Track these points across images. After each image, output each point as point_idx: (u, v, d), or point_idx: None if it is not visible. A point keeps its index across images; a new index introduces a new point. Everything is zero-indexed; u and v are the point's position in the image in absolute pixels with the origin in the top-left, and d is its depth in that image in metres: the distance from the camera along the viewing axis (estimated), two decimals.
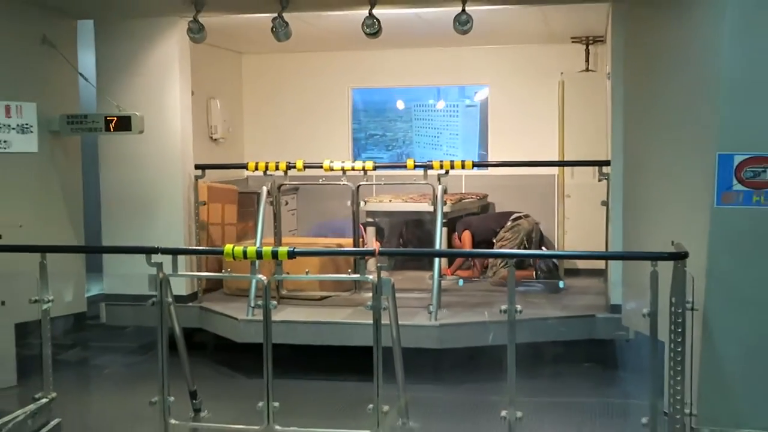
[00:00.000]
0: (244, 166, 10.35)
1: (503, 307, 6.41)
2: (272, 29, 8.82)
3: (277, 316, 8.60)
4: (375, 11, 8.61)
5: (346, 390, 8.46)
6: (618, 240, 8.74)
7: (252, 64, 13.59)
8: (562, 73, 12.10)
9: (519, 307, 6.40)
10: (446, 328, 8.81)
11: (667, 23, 7.48)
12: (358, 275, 6.94)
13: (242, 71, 13.65)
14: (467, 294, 10.40)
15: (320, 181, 10.76)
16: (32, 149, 8.94)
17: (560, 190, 12.13)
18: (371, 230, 11.72)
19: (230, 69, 13.34)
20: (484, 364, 8.80)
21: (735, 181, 6.40)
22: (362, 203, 10.84)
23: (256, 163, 9.93)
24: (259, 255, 6.97)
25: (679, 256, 6.07)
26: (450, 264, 11.41)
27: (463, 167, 9.90)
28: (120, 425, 7.90)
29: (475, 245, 11.24)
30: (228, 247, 7.07)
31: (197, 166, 10.25)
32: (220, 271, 9.21)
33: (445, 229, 10.23)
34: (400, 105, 13.92)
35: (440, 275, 9.25)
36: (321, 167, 9.91)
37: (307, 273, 8.40)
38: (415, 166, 9.98)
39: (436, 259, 9.37)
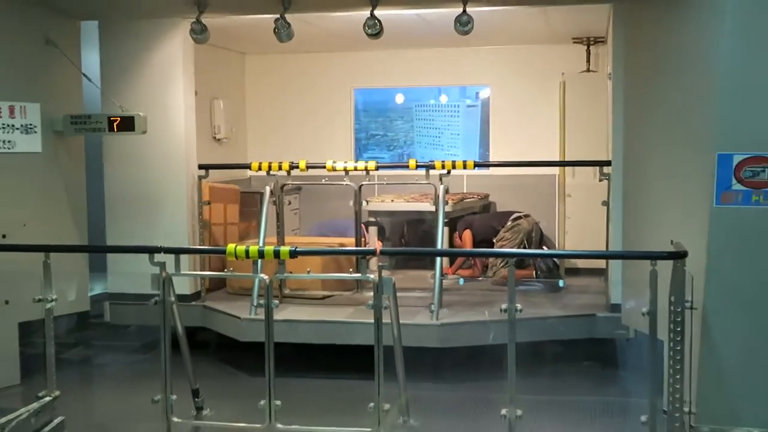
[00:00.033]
0: (248, 166, 10.35)
1: (503, 306, 6.40)
2: (274, 30, 8.80)
3: (279, 315, 8.58)
4: (376, 12, 8.59)
5: (347, 388, 8.45)
6: (618, 239, 8.72)
7: (255, 65, 13.59)
8: (563, 73, 12.10)
9: (519, 306, 6.39)
10: (447, 327, 8.79)
11: (668, 24, 7.47)
12: (360, 274, 6.93)
13: (245, 72, 13.64)
14: (468, 293, 10.39)
15: (323, 181, 10.76)
16: (36, 149, 8.93)
17: (561, 189, 12.13)
18: (373, 230, 11.72)
19: (234, 69, 13.34)
20: (485, 362, 8.81)
21: (734, 181, 6.40)
22: (364, 203, 10.84)
23: (260, 163, 9.92)
24: (261, 254, 6.97)
25: (678, 256, 6.06)
26: (451, 263, 11.42)
27: (464, 167, 9.89)
28: (123, 423, 7.91)
29: (475, 244, 11.24)
30: (230, 247, 7.07)
31: (201, 166, 10.25)
32: (223, 271, 9.25)
33: (446, 229, 10.23)
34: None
35: (442, 274, 9.24)
36: (324, 167, 9.90)
37: (308, 272, 8.43)
38: (417, 166, 9.97)
39: (438, 259, 9.36)
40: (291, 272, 8.58)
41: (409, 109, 13.94)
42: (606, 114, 9.90)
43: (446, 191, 9.74)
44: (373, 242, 11.40)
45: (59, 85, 9.31)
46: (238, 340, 9.22)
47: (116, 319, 10.12)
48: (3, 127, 8.59)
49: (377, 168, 9.98)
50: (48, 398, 6.98)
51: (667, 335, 6.15)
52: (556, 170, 12.17)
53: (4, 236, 8.48)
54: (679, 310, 6.05)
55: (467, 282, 11.02)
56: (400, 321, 7.12)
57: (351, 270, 9.62)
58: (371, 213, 11.75)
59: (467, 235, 11.27)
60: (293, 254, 6.82)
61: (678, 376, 6.14)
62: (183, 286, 9.45)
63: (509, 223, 11.14)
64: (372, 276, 6.65)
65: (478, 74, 13.07)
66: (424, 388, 8.33)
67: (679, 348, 6.10)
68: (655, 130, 7.69)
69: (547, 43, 12.28)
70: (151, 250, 6.89)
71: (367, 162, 9.95)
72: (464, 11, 8.47)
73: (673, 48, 7.33)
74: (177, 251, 7.12)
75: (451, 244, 11.34)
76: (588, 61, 12.18)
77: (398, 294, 6.99)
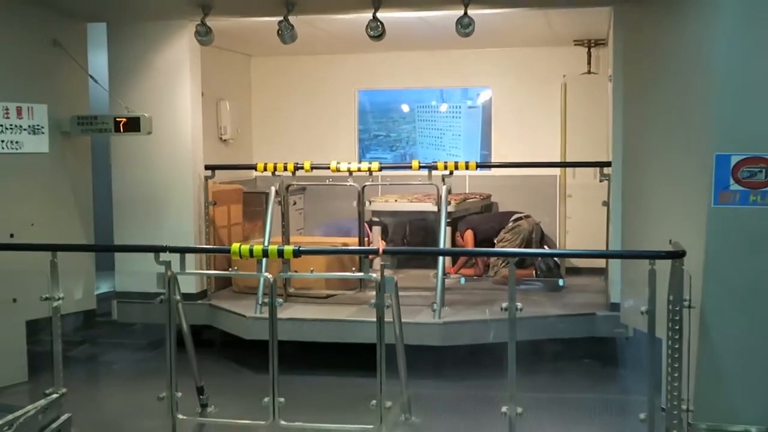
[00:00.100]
0: (253, 167, 10.33)
1: (504, 305, 6.39)
2: (278, 32, 8.81)
3: (283, 313, 8.61)
4: (378, 14, 8.59)
5: (350, 386, 8.43)
6: (618, 239, 8.73)
7: (261, 67, 13.59)
8: (564, 75, 12.10)
9: (520, 305, 6.38)
10: (449, 325, 8.80)
11: (667, 26, 7.47)
12: (363, 274, 6.93)
13: (251, 74, 13.64)
14: (469, 292, 10.38)
15: (327, 182, 10.77)
16: (43, 150, 8.93)
17: (562, 190, 12.12)
18: (377, 229, 11.71)
19: (239, 71, 13.34)
20: (486, 361, 8.79)
21: (732, 181, 6.39)
22: (368, 203, 10.83)
23: (265, 164, 9.91)
24: (265, 254, 6.98)
25: (676, 255, 6.06)
26: (454, 263, 11.41)
27: (467, 168, 9.88)
28: (129, 420, 7.91)
29: (477, 244, 11.23)
30: (235, 246, 7.09)
31: (207, 167, 10.25)
32: (229, 270, 9.25)
33: (449, 229, 10.23)
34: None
35: (444, 274, 9.23)
36: (328, 168, 9.89)
37: (312, 271, 8.42)
38: (420, 167, 9.96)
39: (440, 258, 9.36)
40: (295, 271, 8.58)
41: (411, 110, 13.92)
42: (606, 115, 9.89)
43: (449, 192, 9.73)
44: (377, 242, 11.39)
45: (66, 86, 9.32)
46: (243, 338, 9.22)
47: (123, 317, 10.14)
48: (10, 128, 8.59)
49: (380, 169, 9.99)
50: (55, 395, 6.98)
51: (665, 334, 6.14)
52: (557, 171, 12.16)
53: (12, 235, 8.48)
54: (677, 308, 6.05)
55: (469, 281, 11.01)
56: (402, 319, 7.13)
57: (354, 269, 9.63)
58: (375, 213, 11.74)
59: (469, 235, 11.26)
60: (297, 254, 6.81)
61: (676, 374, 6.14)
62: (189, 284, 9.46)
63: (510, 223, 11.14)
64: (375, 275, 6.64)
65: (480, 76, 13.04)
66: (426, 386, 8.32)
67: (677, 346, 6.10)
68: (655, 131, 7.69)
69: (548, 45, 12.26)
70: (157, 250, 6.88)
71: (370, 163, 9.95)
72: (465, 13, 8.47)
73: (673, 50, 7.32)
74: (182, 250, 7.10)
75: (454, 243, 11.34)
76: (589, 63, 12.16)
77: (400, 293, 7.00)
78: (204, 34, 9.09)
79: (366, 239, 10.78)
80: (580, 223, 11.68)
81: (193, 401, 7.59)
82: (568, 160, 11.87)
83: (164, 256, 6.86)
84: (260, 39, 11.49)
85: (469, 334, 8.85)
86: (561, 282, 10.58)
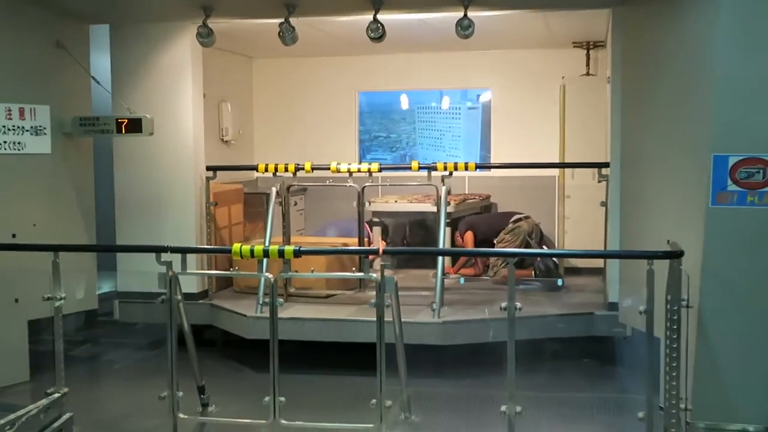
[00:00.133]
0: (254, 168, 10.31)
1: (503, 304, 6.38)
2: (279, 33, 8.80)
3: (284, 313, 8.61)
4: (379, 16, 8.59)
5: (350, 385, 8.43)
6: (616, 239, 8.74)
7: (262, 69, 13.58)
8: (563, 77, 12.08)
9: (519, 304, 6.37)
10: (448, 325, 8.79)
11: (665, 28, 7.46)
12: (363, 273, 6.91)
13: (253, 75, 13.64)
14: (468, 292, 10.37)
15: (327, 183, 10.76)
16: (45, 151, 8.92)
17: (561, 190, 12.09)
18: (377, 230, 11.70)
19: (241, 73, 13.33)
20: (485, 360, 8.78)
21: (730, 182, 6.37)
22: (367, 204, 10.81)
23: (266, 165, 9.89)
24: (266, 254, 6.97)
25: (674, 255, 6.04)
26: (453, 263, 11.40)
27: (466, 169, 9.86)
28: (130, 419, 7.88)
29: (477, 245, 11.21)
30: (236, 246, 7.07)
31: (209, 168, 10.25)
32: (230, 270, 9.24)
33: (448, 229, 10.21)
34: (404, 101, 13.87)
35: (443, 273, 9.22)
36: (328, 169, 9.88)
37: (312, 271, 8.41)
38: (420, 168, 9.94)
39: (440, 258, 9.35)
40: (296, 271, 8.57)
41: (411, 111, 13.92)
42: (605, 117, 9.88)
43: (448, 192, 9.72)
44: (377, 242, 11.38)
45: (69, 87, 9.31)
46: (244, 338, 9.21)
47: (124, 316, 10.14)
48: (13, 129, 8.59)
49: (380, 170, 9.98)
50: (57, 395, 6.96)
51: (663, 333, 6.14)
52: (555, 172, 12.14)
53: (14, 236, 8.46)
54: (675, 308, 6.03)
55: (468, 281, 10.99)
56: (402, 319, 7.13)
57: (354, 269, 9.62)
58: (375, 213, 11.73)
59: (469, 236, 11.24)
60: (297, 254, 6.80)
61: (674, 373, 6.12)
62: (190, 284, 9.45)
63: (510, 224, 11.12)
64: (375, 275, 6.63)
65: (480, 78, 13.05)
66: (426, 385, 8.31)
67: (675, 346, 6.09)
68: (653, 132, 7.68)
69: (547, 47, 12.25)
70: (158, 250, 6.88)
71: (370, 164, 9.93)
72: (465, 15, 8.47)
73: (671, 52, 7.32)
74: (183, 251, 7.09)
75: (453, 244, 11.33)
76: (587, 65, 12.15)
77: (400, 293, 7.00)
78: (205, 36, 9.08)
79: (366, 240, 10.76)
80: (579, 223, 11.66)
81: (194, 400, 7.59)
82: (566, 161, 11.85)
83: (166, 257, 6.86)
84: (261, 41, 11.49)
85: (468, 334, 8.84)
86: (560, 282, 10.57)
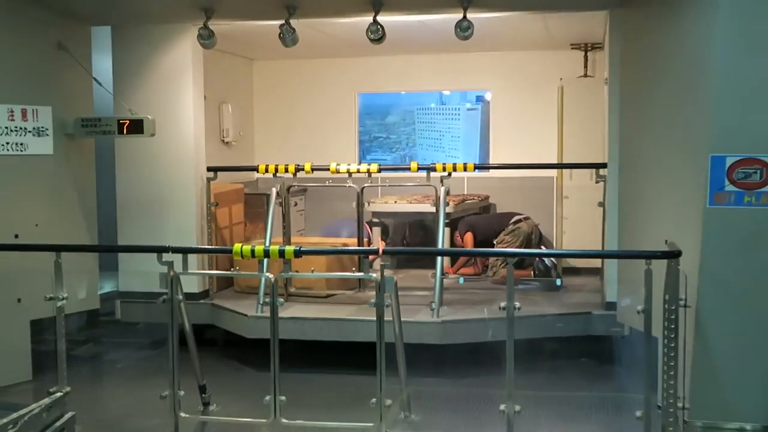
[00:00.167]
0: (255, 169, 10.31)
1: (502, 304, 6.37)
2: (279, 35, 8.80)
3: (284, 312, 8.61)
4: (379, 18, 8.59)
5: (350, 384, 8.42)
6: (613, 239, 8.73)
7: (263, 70, 13.57)
8: (561, 78, 12.08)
9: (518, 304, 6.36)
10: (448, 324, 8.78)
11: (662, 30, 7.45)
12: (363, 273, 6.90)
13: (253, 77, 13.63)
14: (468, 292, 10.37)
15: (327, 183, 10.76)
16: (48, 151, 8.91)
17: (559, 191, 12.09)
18: (377, 230, 11.69)
19: (242, 75, 13.33)
20: (484, 359, 8.77)
21: (727, 182, 6.36)
22: (367, 204, 10.81)
23: (266, 166, 9.88)
24: (267, 254, 6.96)
25: (672, 255, 6.03)
26: (452, 263, 11.39)
27: (465, 169, 9.84)
28: (132, 418, 7.88)
29: (476, 245, 11.20)
30: (237, 246, 7.06)
31: (209, 168, 10.24)
32: (230, 270, 9.23)
33: (447, 229, 10.21)
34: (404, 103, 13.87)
35: (442, 273, 9.22)
36: (328, 169, 9.87)
37: (312, 271, 8.40)
38: (419, 169, 9.93)
39: (438, 258, 9.34)
40: (296, 271, 8.56)
41: (411, 112, 13.91)
42: (602, 118, 9.88)
43: (447, 193, 9.71)
44: (377, 242, 11.37)
45: (70, 88, 9.31)
46: (244, 337, 9.20)
47: (126, 316, 10.14)
48: (15, 130, 8.58)
49: (379, 170, 9.97)
50: (59, 394, 6.95)
51: (661, 332, 6.12)
52: (554, 172, 12.14)
53: (16, 236, 8.45)
54: (673, 308, 6.02)
55: (468, 281, 10.99)
56: (402, 319, 7.12)
57: (354, 269, 9.61)
58: (375, 214, 11.72)
59: (468, 237, 11.23)
60: (297, 254, 6.79)
61: (672, 373, 6.11)
62: (191, 284, 9.44)
63: (510, 226, 11.11)
64: (375, 275, 6.62)
65: (479, 79, 13.05)
66: (425, 384, 8.31)
67: (673, 345, 6.08)
68: (651, 133, 7.67)
69: (545, 49, 12.25)
70: (159, 250, 6.87)
71: (369, 164, 9.93)
72: (464, 17, 8.47)
73: (668, 53, 7.31)
74: (184, 251, 7.08)
75: (452, 244, 11.31)
76: (585, 66, 12.14)
77: (400, 293, 6.99)
78: (207, 38, 9.08)
79: (365, 240, 10.76)
80: (577, 223, 11.66)
81: (196, 400, 7.59)
82: (564, 161, 11.86)
83: (167, 257, 6.85)
84: (262, 42, 11.48)
85: (467, 333, 8.84)
86: (558, 282, 10.57)
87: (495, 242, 11.02)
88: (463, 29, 8.52)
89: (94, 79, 9.53)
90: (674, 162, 7.13)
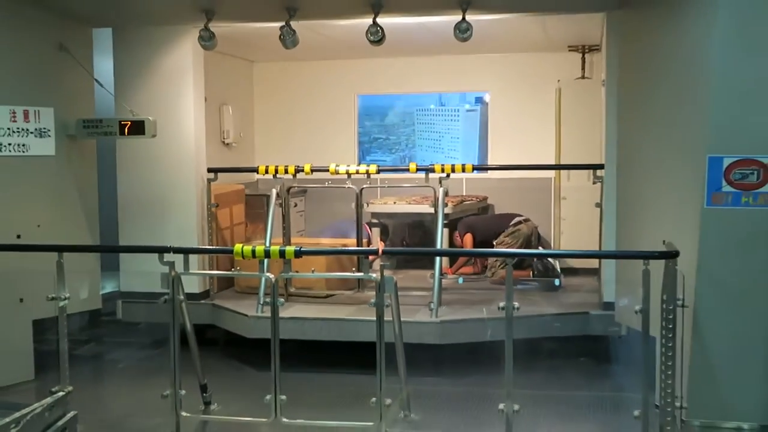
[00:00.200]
0: (255, 170, 10.29)
1: (501, 304, 6.36)
2: (280, 37, 8.80)
3: (285, 312, 8.59)
4: (378, 19, 8.59)
5: (350, 384, 8.40)
6: (611, 240, 8.72)
7: (263, 72, 13.57)
8: (558, 80, 12.11)
9: (516, 304, 6.35)
10: (446, 324, 8.77)
11: (659, 32, 7.46)
12: (363, 273, 6.90)
13: (253, 79, 13.62)
14: (467, 292, 10.36)
15: (326, 184, 10.75)
16: (50, 152, 8.91)
17: (556, 192, 12.11)
18: (376, 230, 11.69)
19: (242, 76, 13.32)
20: (483, 358, 8.76)
21: (724, 183, 6.37)
22: (366, 205, 10.80)
23: (266, 167, 9.87)
24: (268, 254, 6.95)
25: (670, 255, 6.03)
26: (451, 264, 11.38)
27: (463, 170, 9.83)
28: (133, 417, 7.86)
29: (476, 246, 11.19)
30: (238, 247, 7.06)
31: (210, 170, 10.23)
32: (231, 271, 9.22)
33: (446, 230, 10.20)
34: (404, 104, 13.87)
35: (441, 274, 9.21)
36: (327, 171, 9.86)
37: (313, 271, 8.38)
38: (417, 170, 9.92)
39: (437, 258, 9.33)
40: (297, 271, 8.55)
41: (411, 113, 13.91)
42: (600, 119, 9.87)
43: (446, 194, 9.71)
44: (376, 242, 11.37)
45: (72, 90, 9.30)
46: (245, 337, 9.18)
47: (127, 316, 10.12)
48: (18, 131, 8.57)
49: (378, 171, 9.95)
50: (61, 393, 6.93)
51: (659, 332, 6.12)
52: (551, 173, 12.15)
53: (18, 236, 8.45)
54: (670, 308, 6.02)
55: (467, 281, 10.98)
56: (402, 319, 7.10)
57: (354, 269, 9.60)
58: (374, 215, 11.72)
59: (468, 238, 11.21)
60: (298, 254, 6.78)
61: (670, 372, 6.11)
62: (192, 285, 9.41)
63: (510, 227, 11.09)
64: (374, 275, 6.62)
65: (478, 81, 13.03)
66: (425, 384, 8.30)
67: (670, 345, 6.07)
68: (649, 134, 7.67)
69: (543, 51, 12.25)
70: (161, 250, 6.86)
71: (368, 165, 9.92)
72: (463, 18, 8.47)
73: (665, 55, 7.31)
74: (185, 251, 7.07)
75: (451, 244, 11.30)
76: (583, 68, 12.15)
77: (399, 293, 6.97)
78: (207, 39, 9.07)
79: (365, 240, 10.75)
80: (574, 224, 11.68)
81: (197, 399, 7.57)
82: (562, 162, 11.88)
83: (168, 257, 6.84)
84: (262, 44, 11.47)
85: (466, 333, 8.83)
86: (557, 282, 10.56)
87: (495, 243, 11.00)
88: (462, 30, 8.52)
89: (96, 80, 9.53)
90: (672, 163, 7.13)
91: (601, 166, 9.25)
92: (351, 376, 8.63)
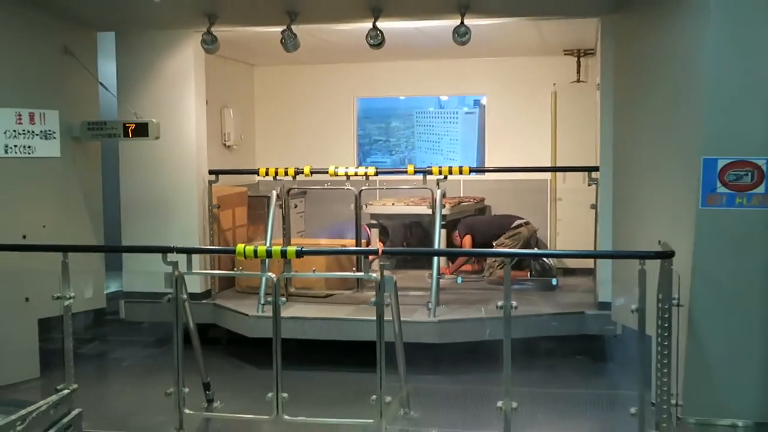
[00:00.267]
0: (256, 172, 10.29)
1: (499, 303, 6.37)
2: (281, 40, 8.79)
3: (285, 312, 8.56)
4: (378, 24, 8.58)
5: (350, 382, 8.38)
6: (606, 240, 8.75)
7: (263, 76, 13.56)
8: (554, 84, 12.11)
9: (514, 303, 6.36)
10: (445, 324, 8.76)
11: (654, 35, 7.46)
12: (363, 273, 6.89)
13: (254, 82, 13.61)
14: (465, 292, 10.35)
15: (326, 186, 10.75)
16: (55, 154, 8.89)
17: (552, 194, 12.12)
18: (375, 231, 11.68)
19: (243, 80, 13.31)
20: (481, 357, 8.73)
21: (719, 184, 6.36)
22: (365, 206, 10.80)
23: (267, 169, 9.89)
24: (269, 254, 6.94)
25: (665, 255, 6.04)
26: (451, 263, 11.37)
27: (460, 172, 9.83)
28: (137, 415, 7.84)
29: (475, 247, 11.16)
30: (240, 247, 7.05)
31: (211, 171, 10.22)
32: (234, 270, 9.21)
33: (444, 231, 10.19)
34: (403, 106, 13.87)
35: (439, 274, 9.20)
36: (327, 172, 9.86)
37: (314, 271, 8.37)
38: (415, 172, 9.91)
39: (435, 259, 9.32)
40: (297, 271, 8.54)
41: (410, 115, 13.90)
42: (595, 122, 9.87)
43: (443, 195, 9.70)
44: (375, 243, 11.36)
45: (77, 92, 9.29)
46: (246, 336, 9.17)
47: (131, 315, 10.11)
48: (23, 133, 8.56)
49: (377, 173, 9.94)
50: (66, 391, 6.92)
51: (655, 331, 6.12)
52: (547, 175, 12.15)
53: (24, 237, 8.43)
54: (666, 307, 6.02)
55: (467, 280, 10.97)
56: (401, 318, 7.09)
57: (353, 269, 9.59)
58: (373, 216, 11.71)
59: (467, 239, 11.19)
60: (299, 254, 6.78)
61: (665, 370, 6.11)
62: (194, 285, 9.40)
63: (510, 230, 11.08)
64: (374, 275, 6.61)
65: (475, 84, 13.03)
66: (424, 382, 8.28)
67: (666, 343, 6.07)
68: (644, 136, 7.68)
69: (539, 54, 12.25)
70: (164, 250, 6.85)
71: (367, 167, 9.91)
72: (462, 23, 8.47)
73: (660, 58, 7.31)
74: (189, 251, 7.08)
75: (449, 244, 11.28)
76: (578, 72, 12.16)
77: (398, 293, 6.96)
78: (210, 43, 9.06)
79: (364, 241, 10.74)
80: (570, 225, 11.69)
81: (200, 397, 7.54)
82: (558, 164, 11.88)
83: (172, 257, 6.83)
84: (263, 48, 11.47)
85: (464, 332, 8.82)
86: (554, 281, 10.56)
87: (494, 244, 10.98)
88: (461, 35, 8.52)
89: (100, 83, 9.52)
90: (667, 164, 7.13)
91: (596, 169, 9.25)
92: (351, 374, 8.61)
